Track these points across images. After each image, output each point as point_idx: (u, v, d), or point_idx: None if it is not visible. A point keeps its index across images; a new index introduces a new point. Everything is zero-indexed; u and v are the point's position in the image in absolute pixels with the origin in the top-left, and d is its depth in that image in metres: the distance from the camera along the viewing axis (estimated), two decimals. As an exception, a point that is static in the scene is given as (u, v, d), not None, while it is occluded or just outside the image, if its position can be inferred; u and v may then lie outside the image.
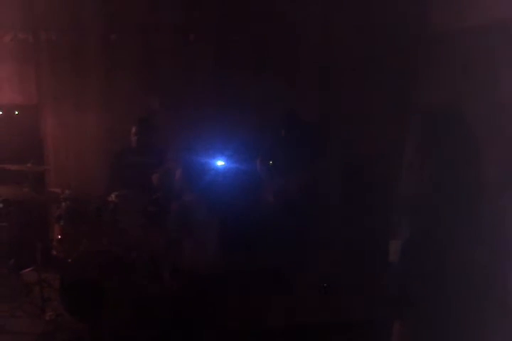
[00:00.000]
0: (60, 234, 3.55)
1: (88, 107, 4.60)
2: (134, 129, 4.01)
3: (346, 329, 3.30)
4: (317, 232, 4.05)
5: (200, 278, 3.50)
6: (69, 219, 3.52)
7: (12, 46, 4.43)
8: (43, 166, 4.23)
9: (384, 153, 4.13)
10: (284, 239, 3.97)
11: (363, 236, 4.26)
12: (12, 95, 4.51)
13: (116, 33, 4.49)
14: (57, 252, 3.53)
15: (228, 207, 4.29)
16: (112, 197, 3.67)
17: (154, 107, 4.61)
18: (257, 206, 4.15)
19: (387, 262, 4.02)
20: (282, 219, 3.94)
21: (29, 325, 3.34)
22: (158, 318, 3.27)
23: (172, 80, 4.62)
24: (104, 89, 4.60)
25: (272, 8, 4.51)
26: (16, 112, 4.52)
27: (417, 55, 4.50)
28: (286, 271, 3.92)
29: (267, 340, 3.29)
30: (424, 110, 1.97)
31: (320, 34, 4.59)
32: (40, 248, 3.58)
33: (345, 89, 4.58)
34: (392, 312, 1.85)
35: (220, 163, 4.39)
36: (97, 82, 4.59)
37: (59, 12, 4.41)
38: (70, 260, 3.37)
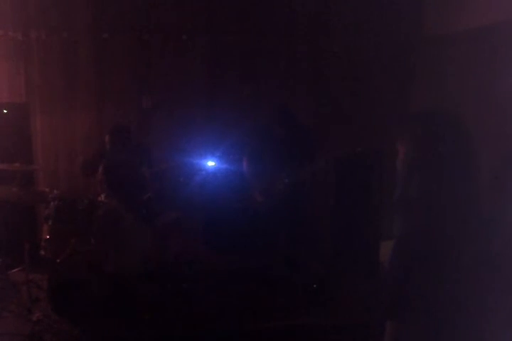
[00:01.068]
0: (48, 234, 3.52)
1: (78, 106, 4.58)
2: (107, 138, 3.91)
3: (338, 330, 3.30)
4: (307, 232, 4.06)
5: (187, 277, 3.50)
6: (57, 218, 3.49)
7: (1, 44, 4.39)
8: (31, 165, 4.19)
9: (379, 152, 4.15)
10: (272, 239, 3.98)
11: (354, 236, 4.27)
12: (1, 93, 4.47)
13: (108, 31, 4.47)
14: (45, 252, 3.50)
15: (216, 207, 4.29)
16: (102, 197, 3.65)
17: (146, 106, 4.59)
18: (244, 205, 4.14)
19: (380, 262, 4.05)
20: (271, 219, 3.93)
21: (16, 326, 3.30)
22: (148, 318, 3.26)
23: (164, 80, 4.61)
24: (94, 88, 4.58)
25: (264, 7, 4.52)
26: (5, 111, 4.48)
27: (413, 57, 4.54)
28: (274, 270, 3.92)
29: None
30: (420, 112, 1.99)
31: (313, 34, 4.61)
32: (28, 248, 3.54)
33: (339, 89, 4.60)
34: (386, 313, 1.85)
35: (210, 163, 4.39)
36: (87, 81, 4.56)
37: (49, 10, 4.38)
38: (58, 260, 3.34)
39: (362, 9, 4.43)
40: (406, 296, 1.74)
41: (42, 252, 3.52)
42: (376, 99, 4.52)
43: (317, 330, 3.33)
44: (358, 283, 3.88)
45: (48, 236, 3.52)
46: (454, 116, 1.85)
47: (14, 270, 3.84)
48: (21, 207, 3.91)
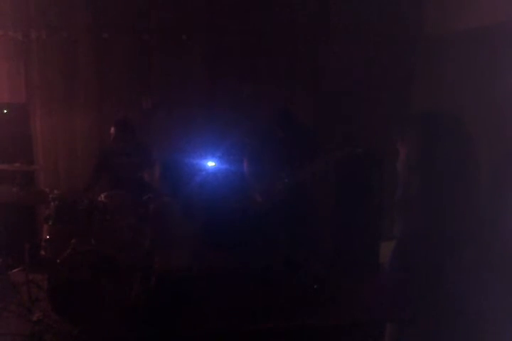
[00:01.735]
0: (48, 234, 3.52)
1: (78, 106, 4.58)
2: (112, 129, 4.03)
3: (338, 330, 3.30)
4: (307, 232, 4.06)
5: (187, 278, 3.50)
6: (58, 219, 3.49)
7: (1, 44, 4.39)
8: (31, 166, 4.19)
9: (380, 153, 4.15)
10: (272, 239, 3.97)
11: (354, 237, 4.27)
12: (1, 93, 4.47)
13: (108, 31, 4.47)
14: (45, 252, 3.50)
15: (216, 207, 4.28)
16: (102, 197, 3.65)
17: (146, 107, 4.59)
18: (244, 206, 4.14)
19: (380, 262, 4.05)
20: (271, 219, 3.93)
21: (16, 326, 3.30)
22: (148, 319, 3.26)
23: (164, 80, 4.61)
24: (95, 88, 4.58)
25: (264, 7, 4.52)
26: (5, 111, 4.48)
27: (413, 57, 4.54)
28: (274, 271, 3.92)
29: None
30: (421, 112, 1.99)
31: (313, 34, 4.61)
32: (28, 248, 3.54)
33: (339, 89, 4.60)
34: (386, 313, 1.86)
35: (210, 163, 4.39)
36: (87, 81, 4.56)
37: (49, 10, 4.38)
38: (58, 260, 3.34)
39: (362, 9, 4.43)
40: (406, 296, 1.74)
41: (42, 252, 3.52)
42: (376, 99, 4.52)
43: (317, 330, 3.33)
44: (358, 283, 3.88)
45: (48, 237, 3.52)
46: (454, 116, 1.85)
47: (14, 270, 3.84)
48: (21, 207, 3.91)
